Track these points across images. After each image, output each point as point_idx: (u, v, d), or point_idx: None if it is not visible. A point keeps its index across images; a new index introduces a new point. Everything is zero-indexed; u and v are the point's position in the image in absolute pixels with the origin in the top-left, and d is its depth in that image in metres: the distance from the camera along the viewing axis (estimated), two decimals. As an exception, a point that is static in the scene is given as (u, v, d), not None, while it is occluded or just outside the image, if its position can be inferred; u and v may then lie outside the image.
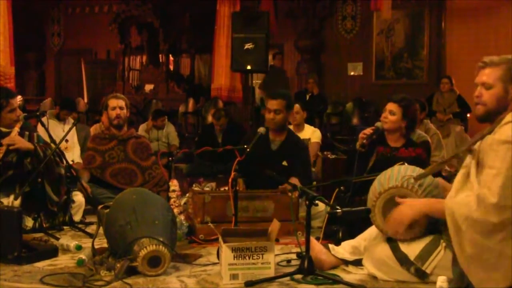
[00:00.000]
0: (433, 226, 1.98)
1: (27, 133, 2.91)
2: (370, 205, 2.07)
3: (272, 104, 3.01)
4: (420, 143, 3.21)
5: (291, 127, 3.58)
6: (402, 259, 1.98)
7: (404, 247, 1.99)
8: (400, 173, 2.05)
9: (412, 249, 1.98)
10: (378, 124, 2.72)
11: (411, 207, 1.93)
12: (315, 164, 3.97)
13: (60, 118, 4.64)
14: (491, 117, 1.83)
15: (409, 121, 2.75)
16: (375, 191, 2.07)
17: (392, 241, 2.03)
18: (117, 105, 3.41)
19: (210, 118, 6.08)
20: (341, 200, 2.50)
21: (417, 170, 2.07)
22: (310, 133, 4.04)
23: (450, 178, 2.04)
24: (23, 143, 2.80)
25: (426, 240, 1.98)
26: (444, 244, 1.95)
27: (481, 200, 1.68)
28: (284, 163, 3.02)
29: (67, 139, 4.05)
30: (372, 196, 2.07)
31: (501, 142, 1.71)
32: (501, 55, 1.87)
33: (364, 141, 2.64)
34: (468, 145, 1.83)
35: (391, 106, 2.74)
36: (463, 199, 1.75)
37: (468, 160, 1.84)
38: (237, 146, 2.75)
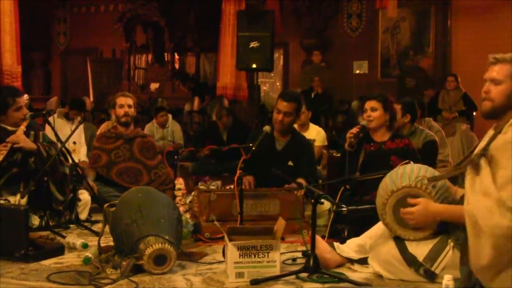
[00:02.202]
0: (441, 227, 1.96)
1: (32, 132, 2.92)
2: (380, 203, 2.04)
3: (284, 106, 2.97)
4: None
5: (295, 126, 3.57)
6: (410, 260, 1.97)
7: (412, 248, 1.98)
8: (414, 172, 2.02)
9: (420, 250, 1.96)
10: (363, 122, 2.77)
11: (425, 216, 1.90)
12: (320, 162, 3.97)
13: (69, 118, 4.66)
14: (497, 114, 1.83)
15: (390, 113, 2.85)
16: (387, 188, 2.03)
17: (399, 241, 2.02)
18: (125, 103, 3.42)
19: (215, 117, 6.06)
20: (343, 199, 2.50)
21: (429, 170, 2.04)
22: (315, 134, 4.03)
23: (458, 177, 2.01)
24: (27, 143, 2.81)
25: (434, 240, 1.97)
26: (452, 244, 1.93)
27: (501, 204, 1.67)
28: (290, 163, 3.01)
29: (74, 141, 4.08)
30: (384, 193, 2.04)
31: (510, 143, 1.70)
32: (509, 54, 1.85)
33: (352, 140, 2.66)
34: (481, 149, 1.80)
35: (371, 103, 2.82)
36: (483, 204, 1.72)
37: (481, 161, 1.80)
38: (242, 144, 2.74)
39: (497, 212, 1.67)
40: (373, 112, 2.79)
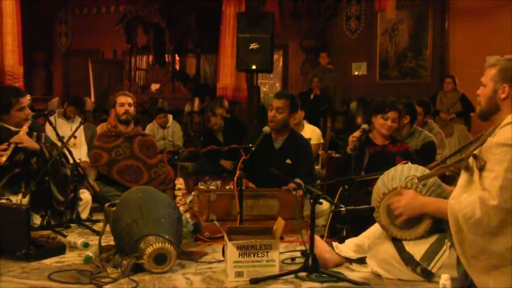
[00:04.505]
0: (438, 226, 1.99)
1: (35, 133, 2.93)
2: (374, 205, 2.08)
3: (275, 102, 3.06)
4: (425, 144, 3.24)
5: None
6: (408, 260, 1.99)
7: (409, 247, 2.00)
8: (404, 173, 2.05)
9: (417, 249, 1.99)
10: (364, 126, 2.81)
11: (411, 204, 1.94)
12: (317, 160, 3.98)
13: (67, 116, 4.67)
14: (487, 116, 1.87)
15: (399, 124, 2.96)
16: (379, 191, 2.07)
17: (397, 241, 2.04)
18: (125, 101, 3.46)
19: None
20: (343, 198, 2.52)
21: (420, 169, 2.07)
22: (310, 133, 4.06)
23: (454, 177, 2.04)
24: (30, 143, 2.83)
25: (431, 240, 1.99)
26: (449, 244, 1.95)
27: (483, 202, 1.70)
28: (288, 161, 3.05)
29: (75, 136, 4.08)
30: (376, 196, 2.08)
31: (499, 145, 1.73)
32: (506, 56, 1.89)
33: (356, 143, 2.70)
34: (471, 149, 1.83)
35: (393, 114, 2.87)
36: (466, 199, 1.76)
37: (471, 162, 1.84)
38: (239, 142, 2.76)
39: (478, 210, 1.70)
40: (394, 123, 2.87)
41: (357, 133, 2.74)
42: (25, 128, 2.84)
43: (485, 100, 1.85)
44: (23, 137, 2.81)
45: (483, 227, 1.69)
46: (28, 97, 2.99)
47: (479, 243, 1.70)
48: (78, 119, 4.65)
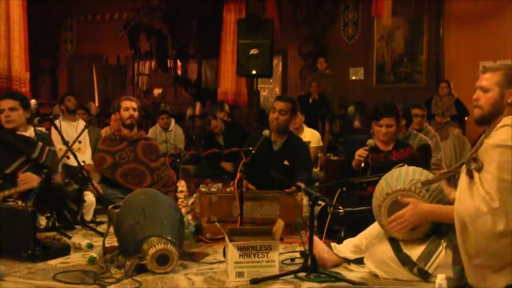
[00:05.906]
0: (435, 228, 2.02)
1: (40, 144, 2.97)
2: (376, 204, 2.10)
3: (279, 105, 3.10)
4: (421, 146, 3.28)
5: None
6: (405, 260, 2.02)
7: (406, 248, 2.03)
8: (408, 175, 2.07)
9: (414, 250, 2.02)
10: (370, 142, 2.78)
11: (416, 215, 1.95)
12: (316, 163, 4.02)
13: (68, 110, 4.61)
14: (487, 121, 1.87)
15: (397, 126, 2.92)
16: (382, 191, 2.09)
17: (394, 242, 2.07)
18: (130, 106, 3.51)
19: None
20: (340, 200, 2.54)
21: (424, 173, 2.09)
22: (310, 136, 4.11)
23: (450, 179, 2.07)
24: (29, 185, 2.81)
25: (427, 241, 2.02)
26: (444, 244, 1.99)
27: (486, 204, 1.71)
28: (286, 162, 3.09)
29: (80, 140, 4.13)
30: (379, 195, 2.09)
31: (494, 146, 1.74)
32: (499, 61, 1.91)
33: (362, 164, 2.67)
34: (471, 153, 1.85)
35: (388, 121, 2.83)
36: (469, 200, 1.76)
37: (471, 166, 1.84)
38: (239, 145, 2.80)
39: (482, 211, 1.71)
40: (390, 128, 2.83)
41: (363, 152, 2.69)
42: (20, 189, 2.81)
43: (489, 104, 1.84)
44: (22, 188, 2.80)
45: (488, 227, 1.69)
46: (32, 101, 3.04)
47: (482, 242, 1.71)
48: (82, 122, 4.68)
